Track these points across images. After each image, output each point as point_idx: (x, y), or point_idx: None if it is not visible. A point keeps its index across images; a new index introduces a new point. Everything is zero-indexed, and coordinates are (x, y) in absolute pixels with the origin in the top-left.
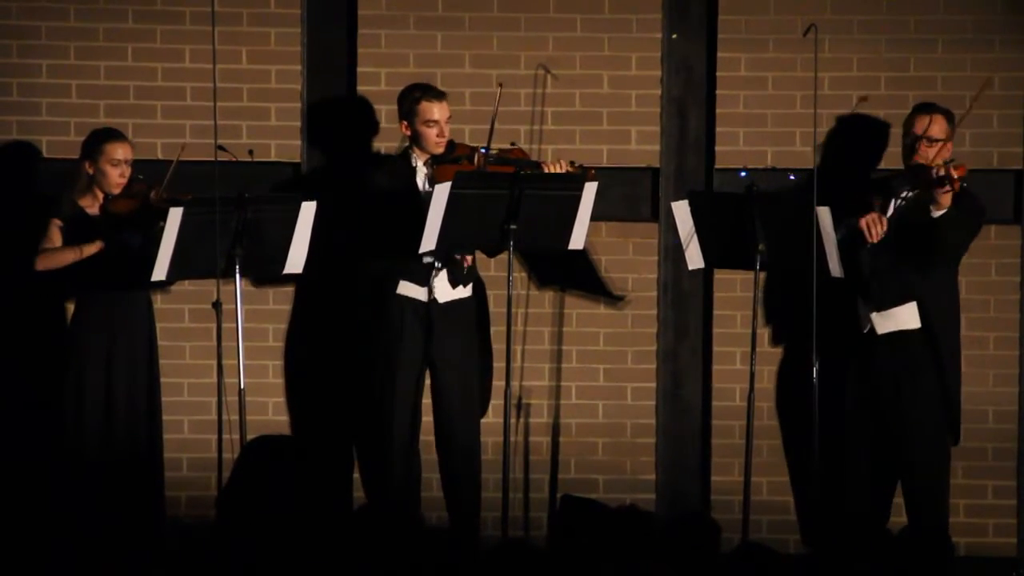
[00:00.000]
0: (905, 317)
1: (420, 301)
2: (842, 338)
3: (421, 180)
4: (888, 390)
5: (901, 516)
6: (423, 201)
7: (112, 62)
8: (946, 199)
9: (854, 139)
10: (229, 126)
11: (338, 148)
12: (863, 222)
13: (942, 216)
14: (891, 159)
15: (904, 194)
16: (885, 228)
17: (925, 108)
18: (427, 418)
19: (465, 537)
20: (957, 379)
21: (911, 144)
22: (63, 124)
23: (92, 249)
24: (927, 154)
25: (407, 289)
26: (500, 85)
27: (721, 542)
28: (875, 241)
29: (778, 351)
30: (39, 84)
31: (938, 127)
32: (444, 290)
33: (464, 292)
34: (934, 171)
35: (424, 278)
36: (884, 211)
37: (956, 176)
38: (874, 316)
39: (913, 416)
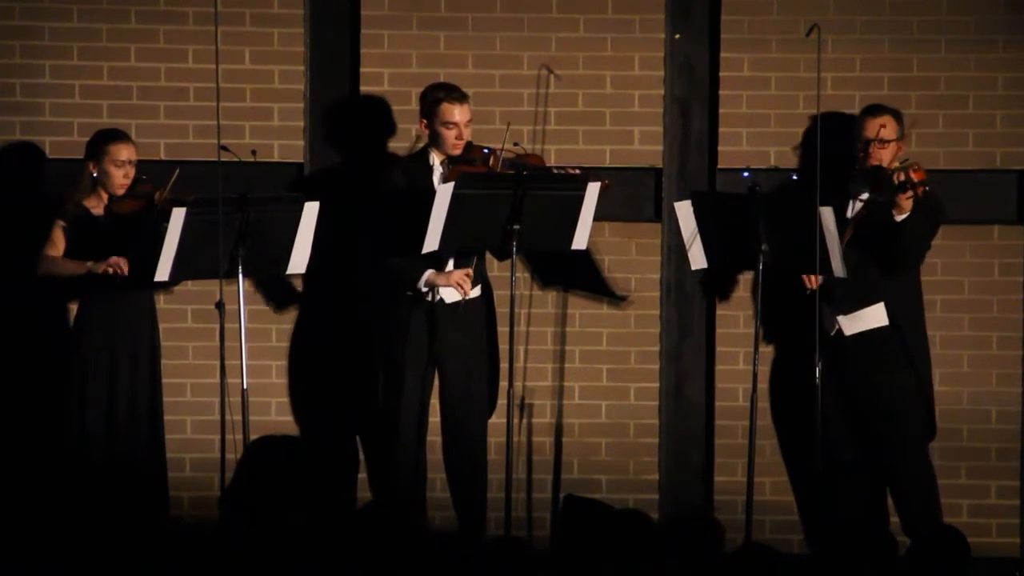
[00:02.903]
0: (872, 317)
1: (427, 301)
2: (814, 340)
3: (437, 180)
4: (864, 390)
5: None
6: None
7: (115, 62)
8: (907, 204)
9: (828, 139)
10: (232, 126)
11: (341, 148)
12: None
13: (905, 220)
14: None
15: (862, 197)
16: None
17: (874, 110)
18: (433, 418)
19: (471, 536)
20: (928, 373)
21: (863, 147)
22: (66, 124)
23: (95, 268)
24: (880, 156)
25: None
26: (508, 124)
27: (724, 542)
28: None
29: (773, 351)
30: (42, 85)
31: (889, 128)
32: (451, 291)
33: (472, 293)
34: (895, 176)
35: None
36: (842, 213)
37: (917, 180)
38: (841, 318)
39: (892, 412)
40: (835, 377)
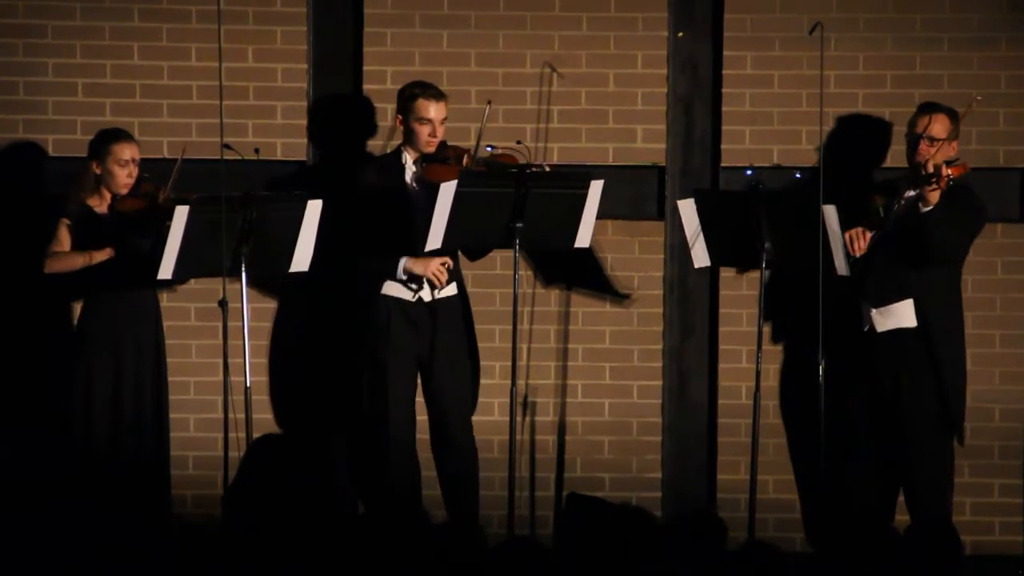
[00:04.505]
0: (903, 315)
1: (407, 301)
2: (842, 337)
3: (409, 178)
4: (887, 388)
5: (905, 515)
6: (409, 199)
7: (118, 61)
8: (933, 196)
9: (856, 138)
10: (235, 125)
11: (344, 147)
12: (847, 235)
13: (928, 212)
14: (897, 158)
15: (908, 194)
16: (866, 244)
17: (927, 108)
18: (420, 416)
19: (466, 534)
20: (958, 378)
21: (913, 143)
22: (69, 123)
23: (101, 256)
24: (928, 153)
25: (393, 289)
26: (489, 103)
27: (727, 540)
28: (858, 255)
29: (783, 349)
30: (45, 83)
31: (939, 126)
32: (428, 289)
33: (450, 291)
34: (923, 168)
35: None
36: (888, 209)
37: (944, 174)
38: (873, 314)
39: (912, 414)
40: (863, 374)
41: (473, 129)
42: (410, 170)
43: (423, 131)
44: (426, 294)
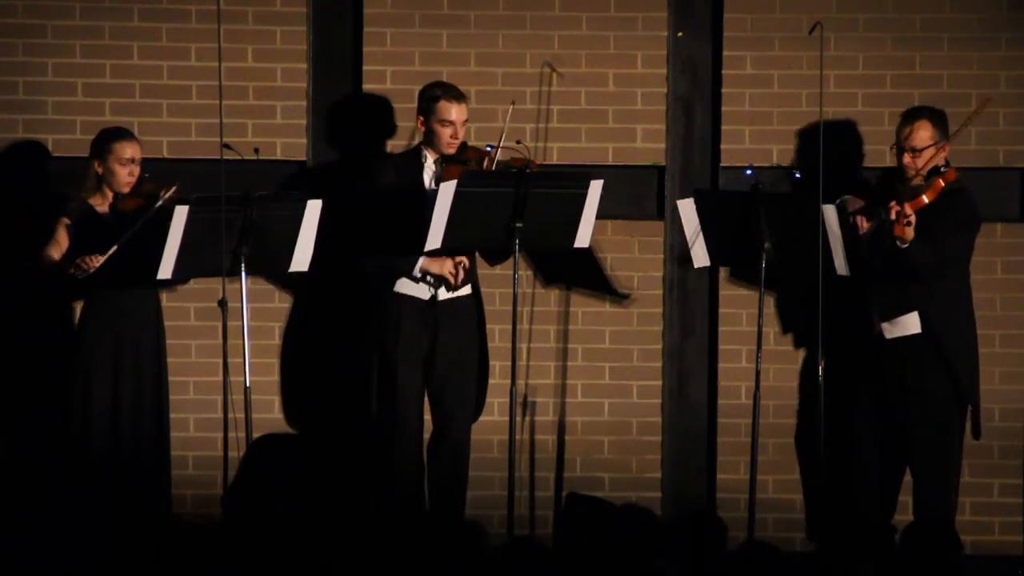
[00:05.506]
0: (910, 325)
1: (420, 299)
2: (852, 339)
3: (428, 178)
4: (895, 391)
5: (907, 514)
6: (428, 199)
7: (118, 60)
8: (908, 232)
9: (834, 140)
10: (235, 124)
11: (344, 146)
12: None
13: (907, 247)
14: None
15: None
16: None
17: (909, 116)
18: (426, 415)
19: (467, 534)
20: (970, 377)
21: (899, 152)
22: (69, 123)
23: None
24: (913, 165)
25: (407, 287)
26: (513, 102)
27: (727, 540)
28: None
29: (783, 349)
30: (45, 83)
31: (922, 134)
32: (445, 289)
33: (464, 291)
34: (891, 211)
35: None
36: (887, 217)
37: (905, 216)
38: (883, 324)
39: (919, 416)
40: (871, 376)
41: (473, 129)
42: (429, 170)
43: (445, 133)
44: (442, 292)
